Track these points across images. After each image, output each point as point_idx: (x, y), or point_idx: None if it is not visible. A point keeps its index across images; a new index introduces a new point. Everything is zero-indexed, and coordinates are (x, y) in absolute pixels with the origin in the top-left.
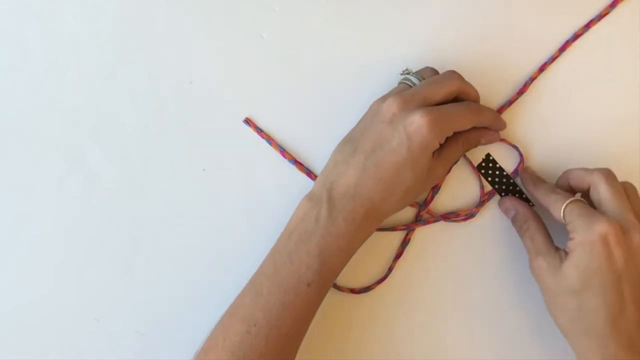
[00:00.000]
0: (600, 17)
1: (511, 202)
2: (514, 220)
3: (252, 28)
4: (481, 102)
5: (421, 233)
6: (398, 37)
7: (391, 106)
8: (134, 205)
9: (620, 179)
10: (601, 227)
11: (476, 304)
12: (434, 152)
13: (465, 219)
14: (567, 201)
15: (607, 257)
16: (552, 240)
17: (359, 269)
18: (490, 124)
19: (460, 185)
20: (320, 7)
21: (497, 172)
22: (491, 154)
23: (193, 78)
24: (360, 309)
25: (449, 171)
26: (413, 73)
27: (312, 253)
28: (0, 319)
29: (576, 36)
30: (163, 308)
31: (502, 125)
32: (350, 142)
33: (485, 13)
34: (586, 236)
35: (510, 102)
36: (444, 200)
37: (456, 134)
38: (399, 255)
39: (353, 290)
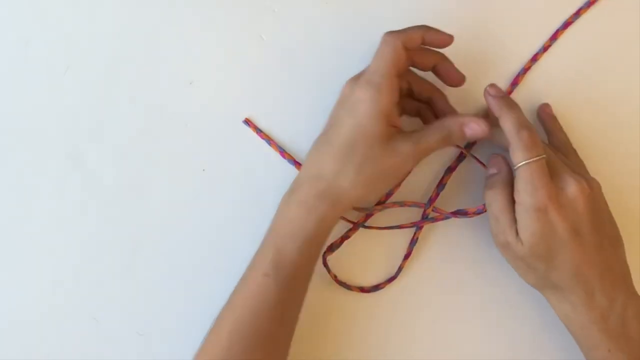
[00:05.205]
0: (589, 4)
1: (499, 160)
2: (489, 178)
3: (251, 29)
4: (481, 98)
5: (430, 232)
6: None
7: (342, 89)
8: (134, 206)
9: (618, 167)
10: (538, 200)
11: (485, 303)
12: (404, 131)
13: (476, 215)
14: (527, 161)
15: (550, 223)
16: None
17: (369, 268)
18: (423, 34)
19: (467, 182)
20: (319, 8)
21: None
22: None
23: (193, 78)
24: (370, 308)
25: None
26: None
27: (268, 242)
28: (0, 319)
29: (567, 24)
30: (163, 308)
31: (438, 32)
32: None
33: (474, 6)
34: (527, 205)
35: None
36: (451, 198)
37: (434, 122)
38: (408, 255)
39: (363, 289)
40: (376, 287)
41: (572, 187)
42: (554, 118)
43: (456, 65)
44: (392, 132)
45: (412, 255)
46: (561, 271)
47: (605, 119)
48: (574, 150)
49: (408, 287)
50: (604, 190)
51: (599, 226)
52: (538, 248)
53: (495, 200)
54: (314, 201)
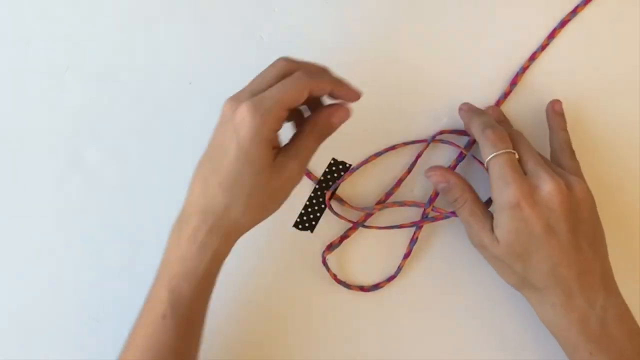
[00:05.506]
0: (586, 1)
1: (441, 172)
2: (446, 192)
3: (251, 29)
4: (477, 97)
5: (429, 232)
6: (396, 36)
7: (223, 109)
8: (134, 205)
9: (617, 166)
10: (510, 195)
11: (485, 302)
12: (281, 147)
13: None
14: (493, 154)
15: (524, 220)
16: (487, 209)
17: (369, 267)
18: (332, 88)
19: (470, 181)
20: (319, 8)
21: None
22: (336, 158)
23: (193, 78)
24: (370, 307)
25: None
26: None
27: (162, 283)
28: (0, 319)
29: (564, 23)
30: None
31: (348, 89)
32: (200, 158)
33: (472, 5)
34: (501, 202)
35: (505, 95)
36: None
37: (304, 126)
38: (407, 254)
39: (362, 289)
40: (376, 286)
41: (547, 185)
42: (560, 115)
43: (457, 66)
44: (275, 153)
45: (411, 254)
46: (538, 271)
47: (604, 116)
48: (572, 151)
49: (408, 286)
50: (600, 188)
51: (577, 226)
52: (514, 247)
53: (461, 207)
54: (205, 237)
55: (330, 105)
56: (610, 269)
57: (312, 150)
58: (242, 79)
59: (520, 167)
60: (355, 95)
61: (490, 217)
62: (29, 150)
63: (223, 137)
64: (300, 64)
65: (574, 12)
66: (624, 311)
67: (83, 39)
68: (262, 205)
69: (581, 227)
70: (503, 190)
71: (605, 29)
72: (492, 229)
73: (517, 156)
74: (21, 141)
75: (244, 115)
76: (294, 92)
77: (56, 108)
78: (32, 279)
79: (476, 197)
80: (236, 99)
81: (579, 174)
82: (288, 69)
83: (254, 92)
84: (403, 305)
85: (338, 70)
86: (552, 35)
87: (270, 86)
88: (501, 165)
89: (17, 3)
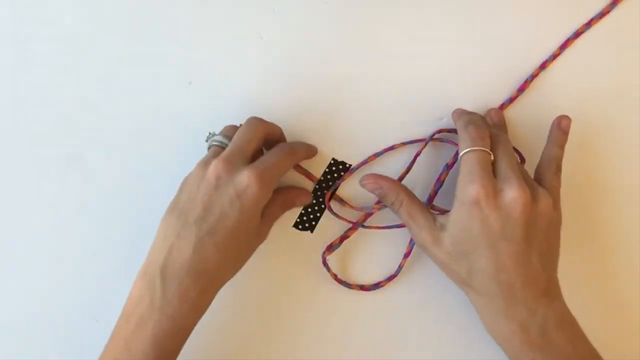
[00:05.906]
0: (601, 15)
1: (374, 179)
2: (382, 197)
3: (251, 28)
4: (483, 101)
5: None
6: (396, 36)
7: (215, 170)
8: (134, 205)
9: (620, 175)
10: (473, 192)
11: None
12: (264, 213)
13: None
14: (468, 149)
15: (481, 220)
16: (426, 208)
17: (369, 267)
18: (307, 155)
19: None
20: (319, 8)
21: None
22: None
23: (193, 78)
24: (371, 306)
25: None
26: (217, 134)
27: (148, 340)
28: (0, 318)
29: (577, 34)
30: None
31: (315, 152)
32: (178, 213)
33: (487, 11)
34: (462, 198)
35: (511, 100)
36: (449, 196)
37: (274, 195)
38: (408, 253)
39: (363, 288)
40: (376, 286)
41: (512, 191)
42: (563, 132)
43: (463, 67)
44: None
45: (412, 253)
46: (482, 275)
47: (611, 131)
48: (559, 169)
49: (408, 285)
50: (604, 200)
51: (532, 238)
52: (463, 245)
53: (398, 210)
54: (197, 297)
55: (298, 189)
56: (557, 285)
57: (277, 218)
58: (242, 79)
59: (492, 170)
60: (314, 154)
61: (432, 217)
62: (29, 150)
63: (219, 199)
64: (271, 125)
65: (588, 24)
66: (566, 317)
67: (83, 39)
68: (241, 263)
69: (535, 239)
70: (467, 186)
71: (619, 44)
72: (433, 228)
73: (492, 158)
74: (22, 141)
75: (251, 183)
76: (287, 166)
77: (56, 108)
78: (32, 279)
79: (412, 197)
80: (230, 162)
81: (554, 192)
82: (267, 130)
83: (245, 157)
84: (404, 304)
85: (338, 71)
86: (564, 46)
87: (257, 148)
88: (472, 162)
89: (17, 3)
